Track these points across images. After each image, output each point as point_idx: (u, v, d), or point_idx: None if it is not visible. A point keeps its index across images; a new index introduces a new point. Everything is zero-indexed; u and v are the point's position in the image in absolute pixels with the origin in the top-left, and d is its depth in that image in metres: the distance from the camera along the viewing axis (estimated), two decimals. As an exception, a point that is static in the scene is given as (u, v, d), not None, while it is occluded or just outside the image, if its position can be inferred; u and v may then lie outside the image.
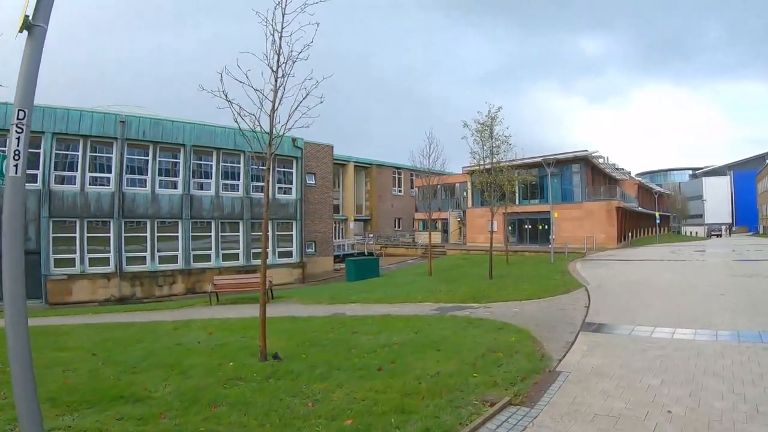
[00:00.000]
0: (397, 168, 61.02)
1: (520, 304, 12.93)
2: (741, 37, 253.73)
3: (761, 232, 72.57)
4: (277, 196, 31.58)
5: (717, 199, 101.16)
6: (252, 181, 30.69)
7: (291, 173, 32.69)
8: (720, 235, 75.65)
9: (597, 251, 33.44)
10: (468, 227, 44.97)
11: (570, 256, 28.73)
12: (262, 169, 30.36)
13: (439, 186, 53.72)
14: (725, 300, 11.91)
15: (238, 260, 30.04)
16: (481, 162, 20.40)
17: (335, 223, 57.87)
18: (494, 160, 20.18)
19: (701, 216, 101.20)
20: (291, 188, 32.66)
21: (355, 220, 59.21)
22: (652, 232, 58.38)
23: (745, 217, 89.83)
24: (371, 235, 52.99)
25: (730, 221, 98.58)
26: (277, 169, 31.44)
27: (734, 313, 10.26)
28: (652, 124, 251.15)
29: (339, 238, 54.34)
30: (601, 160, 43.54)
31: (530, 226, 41.84)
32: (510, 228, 43.27)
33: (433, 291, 16.93)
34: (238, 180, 30.48)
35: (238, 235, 30.25)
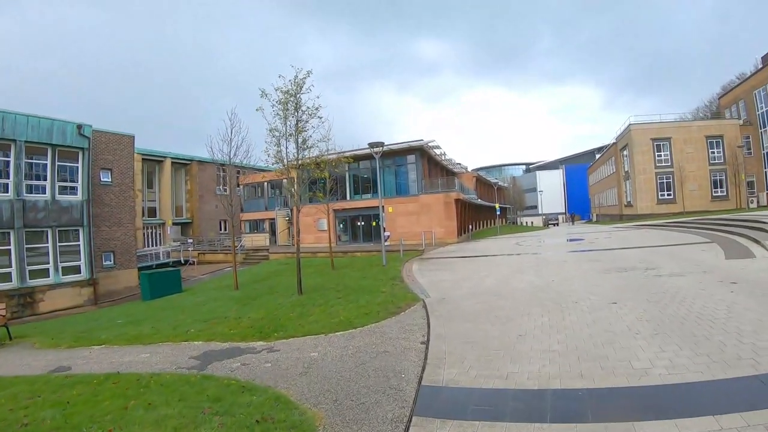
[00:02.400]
0: (222, 164, 55.32)
1: (326, 340, 9.06)
2: (567, 47, 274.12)
3: (594, 219, 78.31)
4: (57, 197, 25.25)
5: (551, 191, 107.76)
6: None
7: (75, 168, 26.35)
8: (557, 224, 79.64)
9: (436, 247, 31.03)
10: (296, 227, 40.97)
11: (406, 254, 25.61)
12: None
13: (265, 183, 49.84)
14: (628, 314, 8.73)
15: (11, 281, 23.52)
16: (282, 138, 15.81)
17: (151, 228, 51.55)
18: (300, 140, 15.66)
19: (536, 207, 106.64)
20: (76, 187, 26.33)
21: (174, 223, 53.15)
22: (492, 224, 58.47)
23: (575, 207, 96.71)
24: (190, 241, 47.29)
25: (564, 211, 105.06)
26: (57, 163, 25.37)
27: (666, 344, 6.76)
28: (486, 125, 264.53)
29: (154, 245, 48.37)
30: (438, 151, 41.59)
31: (363, 223, 38.66)
32: (341, 226, 40.09)
33: (218, 318, 12.69)
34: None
35: (10, 248, 23.70)
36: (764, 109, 48.44)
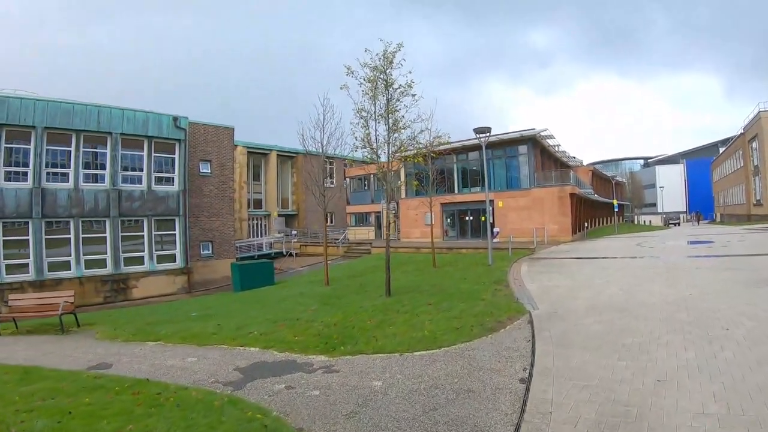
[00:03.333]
0: (329, 157, 54.84)
1: (398, 362, 7.00)
2: (686, 29, 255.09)
3: (717, 219, 69.49)
4: (154, 187, 25.08)
5: (671, 187, 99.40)
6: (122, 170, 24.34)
7: (172, 159, 26.06)
8: (678, 224, 72.37)
9: (549, 245, 28.05)
10: (401, 221, 39.01)
11: (516, 253, 22.90)
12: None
13: (372, 175, 48.46)
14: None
15: (105, 267, 23.60)
16: (371, 119, 13.77)
17: (256, 219, 51.98)
18: (391, 121, 13.51)
19: (655, 204, 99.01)
20: (172, 177, 26.05)
21: (279, 215, 53.20)
22: (608, 222, 54.10)
23: (697, 205, 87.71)
24: (294, 232, 46.85)
25: (684, 209, 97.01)
26: (154, 155, 25.19)
27: None
28: (600, 116, 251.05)
29: (259, 236, 48.62)
30: (551, 142, 38.26)
31: (471, 218, 36.04)
32: (449, 220, 37.76)
33: (290, 319, 10.98)
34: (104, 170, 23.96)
35: (105, 236, 23.76)
36: None
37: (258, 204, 52.89)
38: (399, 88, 13.20)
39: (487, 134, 19.93)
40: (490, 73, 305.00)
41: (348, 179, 51.43)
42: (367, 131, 13.53)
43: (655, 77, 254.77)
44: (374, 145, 13.50)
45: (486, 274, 16.20)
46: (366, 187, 49.79)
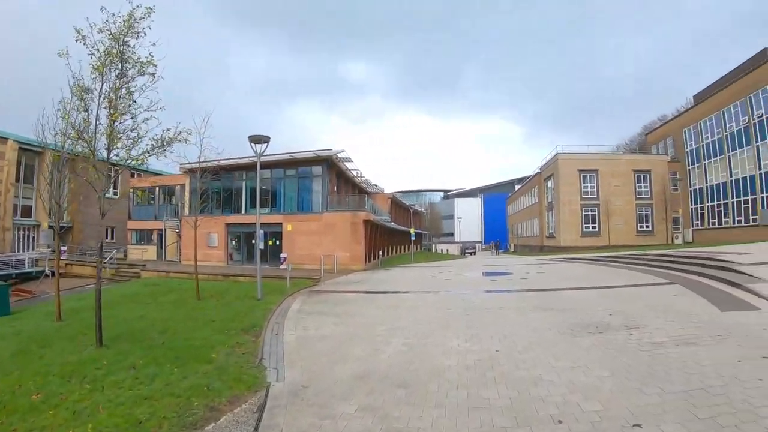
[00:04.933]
0: (114, 164, 48.50)
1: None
2: (494, 82, 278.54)
3: (512, 250, 76.33)
4: None
5: (468, 219, 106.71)
6: None
7: None
8: (474, 253, 77.14)
9: (338, 275, 26.35)
10: (183, 241, 34.99)
11: (295, 284, 20.55)
12: None
13: (157, 188, 43.69)
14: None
15: None
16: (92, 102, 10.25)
17: (24, 230, 44.23)
18: (118, 106, 10.06)
19: (452, 234, 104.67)
20: None
21: (50, 227, 45.84)
22: (405, 250, 54.60)
23: (493, 236, 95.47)
24: (64, 248, 40.41)
25: (480, 239, 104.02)
26: None
27: None
28: (409, 151, 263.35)
29: (26, 250, 41.20)
30: (349, 165, 37.14)
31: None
32: (234, 243, 34.77)
33: None
34: None
35: None
36: (693, 147, 47.88)
37: (27, 212, 44.76)
38: (137, 62, 10.05)
39: (266, 144, 17.18)
40: (307, 99, 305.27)
41: (132, 191, 45.73)
42: (86, 114, 10.12)
43: (463, 119, 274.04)
44: (86, 135, 10.15)
45: (246, 313, 13.44)
46: (152, 201, 44.73)
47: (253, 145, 16.97)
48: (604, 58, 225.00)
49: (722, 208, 43.37)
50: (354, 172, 39.80)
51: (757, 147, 38.41)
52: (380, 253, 38.40)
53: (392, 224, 47.13)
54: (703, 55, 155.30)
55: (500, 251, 75.77)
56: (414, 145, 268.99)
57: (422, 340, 9.48)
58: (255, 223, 32.00)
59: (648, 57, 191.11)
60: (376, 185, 52.19)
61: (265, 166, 30.58)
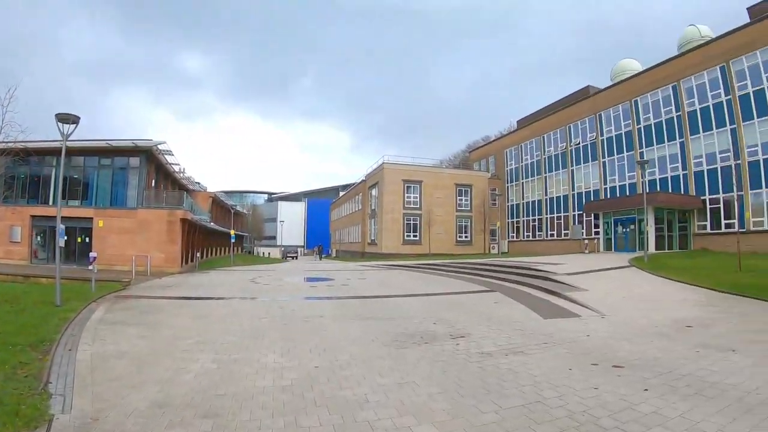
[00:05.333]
0: None
1: None
2: (327, 90, 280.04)
3: (334, 255, 77.39)
4: None
5: (292, 223, 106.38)
6: None
7: None
8: (296, 257, 76.49)
9: (151, 277, 24.42)
10: (-19, 235, 30.30)
11: (102, 287, 18.39)
12: None
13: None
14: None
15: None
16: None
17: None
18: None
19: (275, 237, 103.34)
20: None
21: None
22: (225, 253, 52.63)
23: (315, 240, 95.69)
24: None
25: (303, 243, 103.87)
26: None
27: None
28: (236, 151, 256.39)
29: None
30: (170, 159, 34.80)
31: (67, 238, 30.00)
32: (39, 238, 30.86)
33: None
34: None
35: None
36: (513, 166, 53.75)
37: None
38: None
39: (74, 124, 14.60)
40: (137, 87, 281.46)
41: None
42: None
43: (293, 124, 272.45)
44: None
45: (38, 322, 11.39)
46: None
47: (60, 125, 14.48)
48: (437, 79, 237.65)
49: (537, 223, 49.34)
50: (176, 167, 37.42)
51: (572, 171, 44.76)
52: (198, 254, 36.43)
53: (212, 225, 45.18)
54: (531, 86, 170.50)
55: (323, 256, 76.08)
56: (242, 146, 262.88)
57: (234, 356, 8.42)
58: (65, 218, 28.97)
59: (479, 82, 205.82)
60: (199, 183, 49.99)
61: (79, 152, 27.59)
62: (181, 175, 40.67)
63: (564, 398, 5.85)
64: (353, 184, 68.55)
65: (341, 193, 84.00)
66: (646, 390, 6.04)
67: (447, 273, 26.96)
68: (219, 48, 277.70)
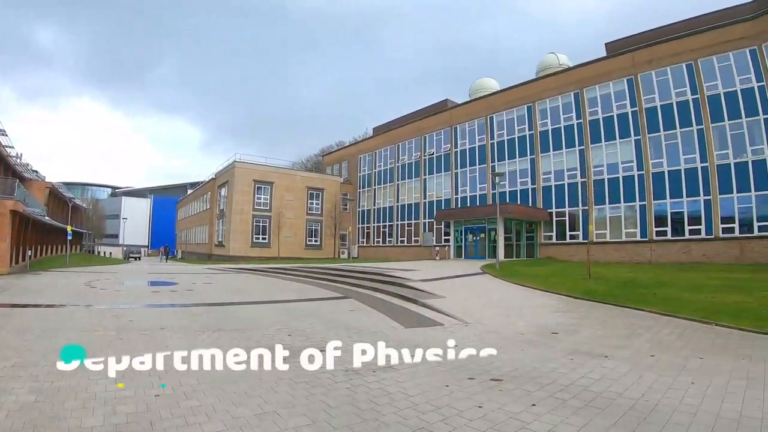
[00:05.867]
0: None
1: None
2: (186, 83, 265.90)
3: (179, 256, 72.29)
4: None
5: (136, 220, 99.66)
6: None
7: None
8: (139, 258, 70.58)
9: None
10: None
11: None
12: None
13: None
14: None
15: None
16: None
17: None
18: None
19: (117, 236, 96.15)
20: None
21: None
22: (61, 251, 47.87)
23: (160, 240, 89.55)
24: None
25: (147, 243, 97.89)
26: None
27: None
28: (80, 139, 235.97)
29: None
30: (3, 139, 30.99)
31: None
32: None
33: None
34: None
35: None
36: (366, 172, 54.71)
37: None
38: None
39: None
40: None
41: None
42: None
43: (145, 114, 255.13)
44: None
45: None
46: None
47: None
48: (297, 82, 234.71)
49: (387, 229, 50.42)
50: (10, 151, 33.47)
51: (425, 179, 46.54)
52: (30, 253, 32.65)
53: (47, 219, 40.80)
54: (391, 95, 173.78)
55: (169, 257, 71.42)
56: (88, 135, 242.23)
57: (58, 383, 6.49)
58: None
59: (339, 88, 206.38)
60: (36, 172, 45.26)
61: None
62: (17, 160, 36.45)
63: (450, 422, 5.31)
64: (203, 181, 65.23)
65: (189, 191, 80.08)
66: (534, 405, 5.74)
67: (298, 278, 26.04)
68: (77, 23, 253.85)
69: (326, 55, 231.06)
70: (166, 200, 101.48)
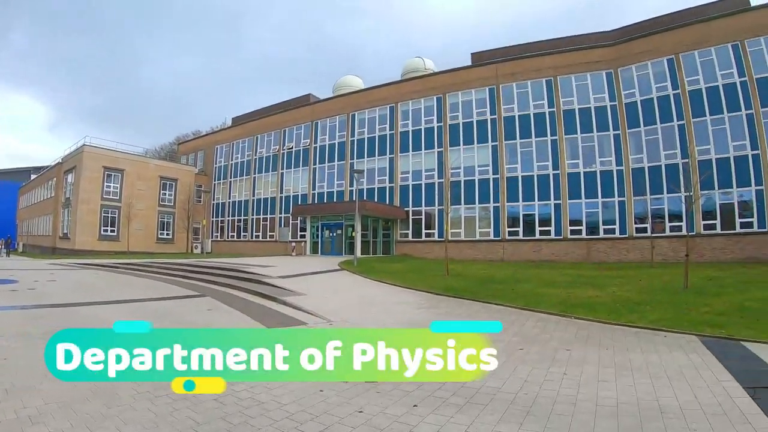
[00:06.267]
0: None
1: None
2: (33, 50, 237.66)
3: (20, 250, 62.28)
4: None
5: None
6: None
7: None
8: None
9: None
10: None
11: None
12: None
13: None
14: None
15: None
16: None
17: None
18: None
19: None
20: None
21: None
22: None
23: (1, 232, 78.69)
24: None
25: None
26: None
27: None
28: None
29: None
30: None
31: None
32: None
33: None
34: None
35: None
36: (222, 163, 52.53)
37: None
38: None
39: None
40: None
41: None
42: None
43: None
44: None
45: None
46: None
47: None
48: (156, 67, 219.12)
49: (242, 223, 48.85)
50: None
51: (282, 174, 45.74)
52: None
53: None
54: (254, 86, 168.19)
55: (10, 251, 62.11)
56: None
57: None
58: None
59: (200, 76, 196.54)
60: None
61: None
62: None
63: (329, 430, 4.91)
64: (48, 166, 58.92)
65: (33, 177, 72.33)
66: (416, 406, 5.49)
67: (150, 274, 24.21)
68: None
69: (185, 45, 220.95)
70: (7, 185, 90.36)
